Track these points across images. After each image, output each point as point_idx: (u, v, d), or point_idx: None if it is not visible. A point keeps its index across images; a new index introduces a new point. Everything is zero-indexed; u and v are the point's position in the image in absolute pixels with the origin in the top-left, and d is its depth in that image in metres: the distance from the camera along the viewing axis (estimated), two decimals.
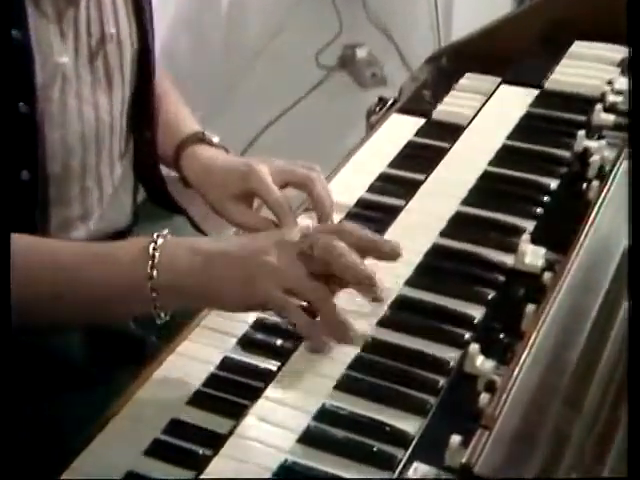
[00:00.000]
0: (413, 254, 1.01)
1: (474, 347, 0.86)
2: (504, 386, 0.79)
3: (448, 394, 0.85)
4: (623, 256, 0.92)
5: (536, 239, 1.00)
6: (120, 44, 1.05)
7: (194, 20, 2.49)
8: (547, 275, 0.94)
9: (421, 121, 1.28)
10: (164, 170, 1.18)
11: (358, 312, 0.90)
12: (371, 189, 1.14)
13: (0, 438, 0.71)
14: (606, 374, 0.82)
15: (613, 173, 1.06)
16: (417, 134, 1.25)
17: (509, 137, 1.22)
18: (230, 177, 1.06)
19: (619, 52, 1.34)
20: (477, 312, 0.93)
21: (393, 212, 1.09)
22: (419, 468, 0.77)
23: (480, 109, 1.28)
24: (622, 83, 1.27)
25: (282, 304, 0.83)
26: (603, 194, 1.03)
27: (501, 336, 0.90)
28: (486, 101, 1.30)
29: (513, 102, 1.30)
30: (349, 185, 1.15)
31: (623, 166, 1.07)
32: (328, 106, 2.70)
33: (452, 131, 1.24)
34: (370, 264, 0.88)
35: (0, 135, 0.91)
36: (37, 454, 0.88)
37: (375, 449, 0.80)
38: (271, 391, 0.86)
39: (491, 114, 1.28)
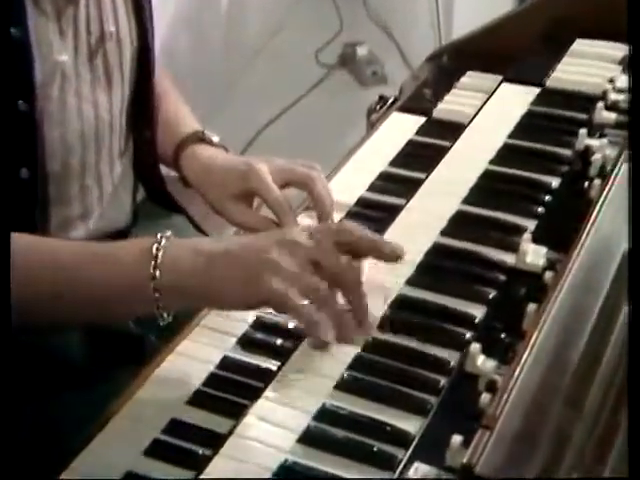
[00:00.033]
0: (414, 253, 1.01)
1: (475, 347, 0.85)
2: (505, 386, 0.79)
3: (449, 394, 0.84)
4: (625, 255, 0.92)
5: (537, 238, 1.00)
6: (120, 42, 1.05)
7: (194, 18, 2.49)
8: (548, 274, 0.94)
9: (422, 120, 1.27)
10: (164, 169, 1.17)
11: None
12: (371, 188, 1.14)
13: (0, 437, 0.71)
14: (607, 374, 0.82)
15: (615, 172, 1.06)
16: (418, 133, 1.25)
17: (510, 135, 1.22)
18: (230, 176, 1.06)
19: (621, 50, 1.34)
20: (478, 311, 0.93)
21: (394, 211, 1.09)
22: (420, 468, 0.77)
23: (481, 107, 1.28)
24: (624, 81, 1.27)
25: (284, 300, 0.82)
26: (605, 193, 1.02)
27: (502, 336, 0.90)
28: (487, 99, 1.30)
29: (514, 100, 1.30)
30: (349, 184, 1.14)
31: (625, 165, 1.07)
32: (328, 105, 2.70)
33: (453, 130, 1.24)
34: (371, 263, 0.88)
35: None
36: (36, 454, 0.88)
37: (375, 449, 0.79)
38: (271, 391, 0.85)
39: (492, 112, 1.28)
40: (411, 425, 0.81)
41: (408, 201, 1.11)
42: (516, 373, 0.80)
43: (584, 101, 1.26)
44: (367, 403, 0.84)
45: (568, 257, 0.93)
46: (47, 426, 0.96)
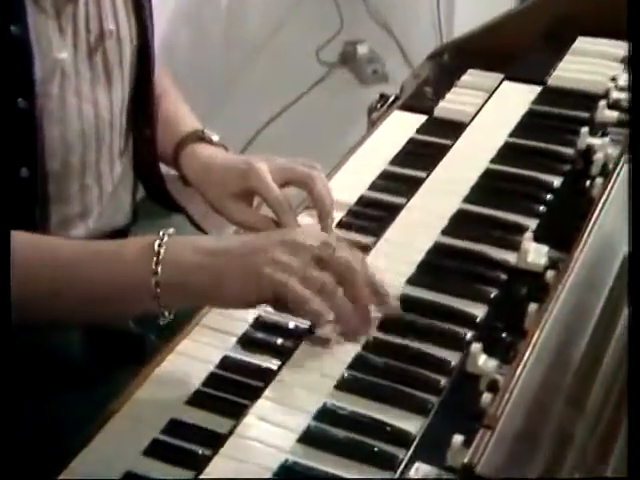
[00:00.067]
0: (415, 252, 1.00)
1: (476, 346, 0.85)
2: (506, 385, 0.78)
3: (450, 394, 0.84)
4: (626, 255, 0.92)
5: (539, 237, 1.00)
6: (119, 41, 1.05)
7: (194, 14, 2.48)
8: (550, 273, 0.94)
9: (423, 118, 1.27)
10: (163, 168, 1.17)
11: None
12: (372, 187, 1.14)
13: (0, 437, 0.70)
14: (609, 373, 0.82)
15: (617, 170, 1.06)
16: (419, 131, 1.25)
17: (511, 134, 1.22)
18: (230, 175, 1.06)
19: (623, 48, 1.33)
20: (479, 311, 0.93)
21: (394, 210, 1.09)
22: (420, 468, 0.77)
23: (482, 106, 1.28)
24: (626, 79, 1.27)
25: (285, 289, 0.81)
26: (607, 192, 1.02)
27: (503, 335, 0.89)
28: (488, 98, 1.30)
29: (516, 99, 1.29)
30: (350, 183, 1.14)
31: (627, 164, 1.06)
32: (329, 103, 2.70)
33: (454, 128, 1.24)
34: (370, 263, 0.87)
35: None
36: (36, 453, 0.88)
37: (376, 449, 0.79)
38: (271, 391, 0.85)
39: (493, 111, 1.27)
40: (412, 425, 0.81)
41: (409, 200, 1.11)
42: (517, 373, 0.79)
43: (586, 99, 1.26)
44: (368, 403, 0.83)
45: (570, 256, 0.93)
46: (47, 426, 0.95)
